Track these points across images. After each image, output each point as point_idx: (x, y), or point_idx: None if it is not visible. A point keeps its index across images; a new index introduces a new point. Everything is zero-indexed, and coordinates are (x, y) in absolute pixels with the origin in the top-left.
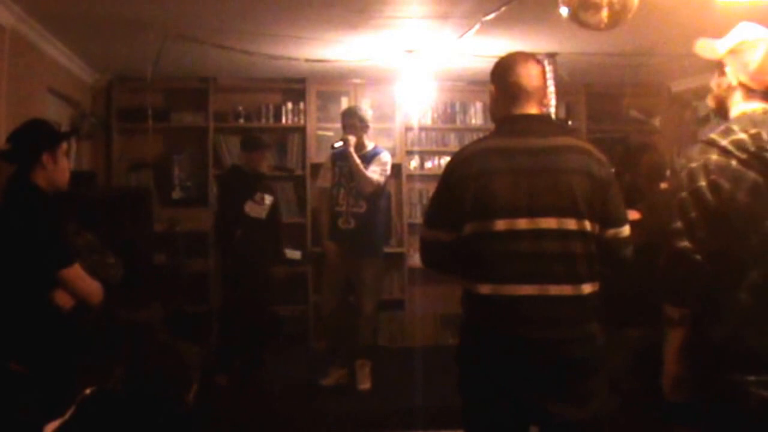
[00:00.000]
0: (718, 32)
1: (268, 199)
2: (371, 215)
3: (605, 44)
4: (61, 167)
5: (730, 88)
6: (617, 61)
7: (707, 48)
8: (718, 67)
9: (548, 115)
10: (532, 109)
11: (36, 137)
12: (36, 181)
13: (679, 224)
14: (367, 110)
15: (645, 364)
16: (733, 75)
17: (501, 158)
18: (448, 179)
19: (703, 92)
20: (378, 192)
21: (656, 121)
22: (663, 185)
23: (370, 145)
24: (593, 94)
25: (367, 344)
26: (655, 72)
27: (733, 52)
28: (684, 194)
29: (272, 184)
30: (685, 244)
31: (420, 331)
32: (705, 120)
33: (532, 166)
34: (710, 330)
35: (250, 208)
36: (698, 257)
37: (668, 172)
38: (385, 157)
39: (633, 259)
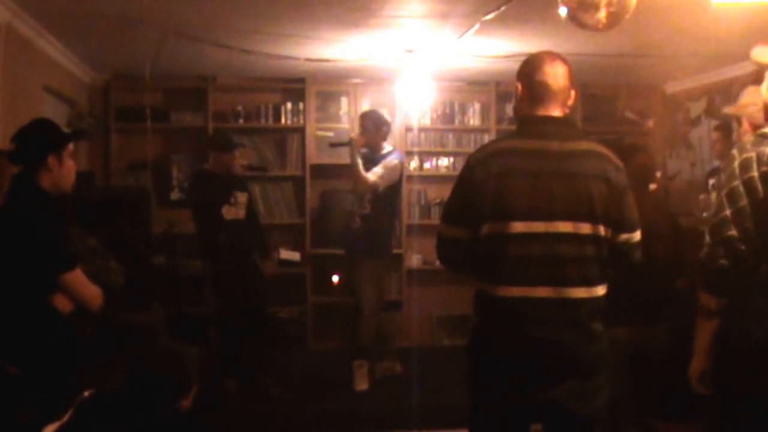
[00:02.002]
0: (712, 34)
1: (242, 197)
2: (376, 217)
3: (602, 45)
4: (66, 169)
5: None
6: (613, 61)
7: (763, 53)
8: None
9: (570, 119)
10: (555, 111)
11: (41, 139)
12: (41, 184)
13: (727, 212)
14: (383, 115)
15: (633, 364)
16: None
17: (521, 160)
18: (469, 177)
19: (695, 93)
20: (378, 194)
21: (650, 123)
22: (652, 186)
23: (386, 148)
24: (588, 95)
25: (364, 344)
26: (650, 73)
27: None
28: (736, 183)
29: (244, 180)
30: (732, 233)
31: (417, 331)
32: (697, 121)
33: (551, 170)
34: (749, 326)
35: (227, 211)
36: (743, 247)
37: (658, 174)
38: (393, 161)
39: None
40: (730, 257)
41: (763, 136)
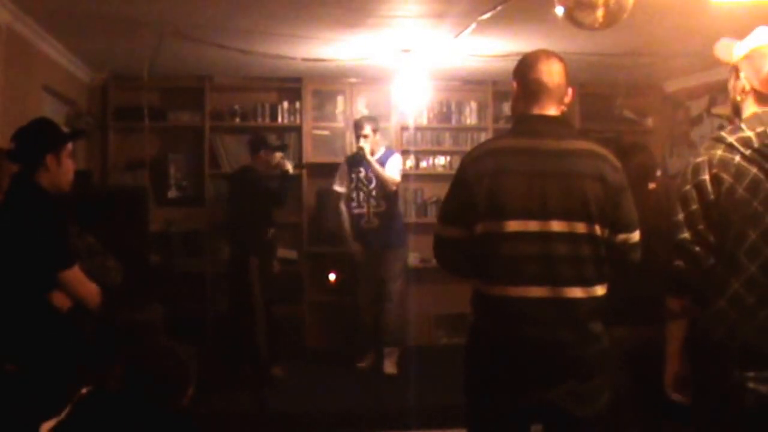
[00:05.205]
0: (711, 33)
1: None
2: (390, 212)
3: (599, 44)
4: (64, 169)
5: (743, 92)
6: (611, 60)
7: (725, 50)
8: (734, 70)
9: (565, 118)
10: (551, 109)
11: (40, 138)
12: (39, 183)
13: (680, 216)
14: (375, 118)
15: (634, 363)
16: (746, 80)
17: (515, 159)
18: (462, 176)
19: (696, 92)
20: (390, 191)
21: (649, 121)
22: (651, 185)
23: (381, 150)
24: (586, 93)
25: (394, 332)
26: (649, 72)
27: (747, 57)
28: (688, 187)
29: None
30: (685, 235)
31: (415, 330)
32: (698, 120)
33: (546, 169)
34: (709, 326)
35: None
36: (697, 249)
37: (658, 173)
38: (398, 158)
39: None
40: (684, 259)
41: (718, 139)
